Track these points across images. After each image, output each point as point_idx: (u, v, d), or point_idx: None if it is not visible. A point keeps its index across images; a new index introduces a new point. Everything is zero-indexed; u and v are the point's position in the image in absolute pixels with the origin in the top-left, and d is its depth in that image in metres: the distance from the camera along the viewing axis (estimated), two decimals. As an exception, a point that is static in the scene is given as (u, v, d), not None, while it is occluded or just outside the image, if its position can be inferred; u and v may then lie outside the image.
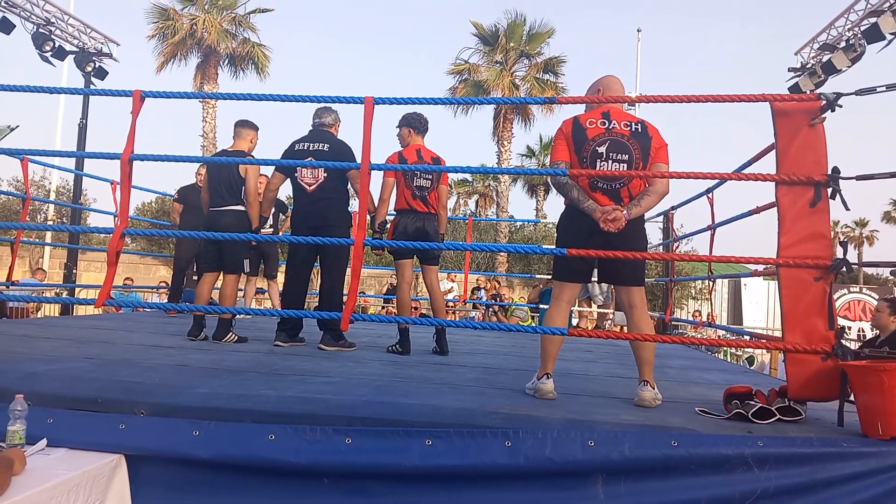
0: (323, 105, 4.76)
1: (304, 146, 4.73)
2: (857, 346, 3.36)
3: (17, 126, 11.46)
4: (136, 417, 2.69)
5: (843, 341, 2.90)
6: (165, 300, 9.34)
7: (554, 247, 3.18)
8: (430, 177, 4.67)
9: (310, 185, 4.71)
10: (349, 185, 4.88)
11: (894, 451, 2.47)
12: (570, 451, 2.48)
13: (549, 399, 3.15)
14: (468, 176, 36.72)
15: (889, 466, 2.45)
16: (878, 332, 5.27)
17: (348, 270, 4.54)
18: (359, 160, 3.45)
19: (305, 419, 2.66)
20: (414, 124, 4.77)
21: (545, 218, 27.77)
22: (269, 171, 5.38)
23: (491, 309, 10.32)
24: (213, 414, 2.71)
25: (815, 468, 2.45)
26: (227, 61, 21.87)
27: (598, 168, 3.12)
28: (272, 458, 2.55)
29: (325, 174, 4.68)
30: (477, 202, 40.32)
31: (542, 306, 9.53)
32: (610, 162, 3.12)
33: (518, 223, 23.80)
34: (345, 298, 3.78)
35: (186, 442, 2.58)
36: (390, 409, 2.81)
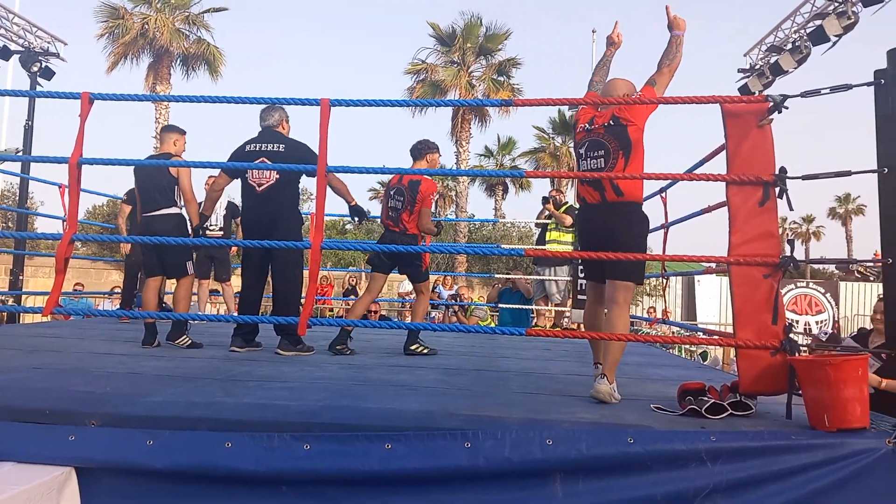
0: (268, 105, 4.69)
1: (255, 147, 4.67)
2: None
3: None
4: (86, 429, 2.61)
5: (792, 335, 2.99)
6: (118, 305, 9.11)
7: (513, 247, 3.21)
8: (401, 199, 4.88)
9: (260, 186, 4.65)
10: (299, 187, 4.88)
11: (841, 442, 2.55)
12: (528, 450, 2.50)
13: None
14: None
15: (836, 458, 2.53)
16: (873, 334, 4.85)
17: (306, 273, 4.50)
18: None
19: (263, 426, 2.62)
20: (411, 150, 5.05)
21: (504, 217, 27.93)
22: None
23: (451, 309, 10.33)
24: (168, 423, 2.65)
25: (765, 461, 2.51)
26: (179, 61, 21.46)
27: (581, 165, 3.41)
28: (230, 466, 2.51)
29: (277, 175, 4.62)
30: (436, 202, 40.38)
31: (501, 306, 9.59)
32: (589, 160, 3.38)
33: (477, 223, 23.89)
34: (303, 301, 3.74)
35: (140, 452, 2.52)
36: (349, 413, 2.79)
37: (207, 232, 6.20)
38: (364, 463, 2.49)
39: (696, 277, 16.22)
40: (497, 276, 11.97)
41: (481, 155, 31.05)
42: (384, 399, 3.06)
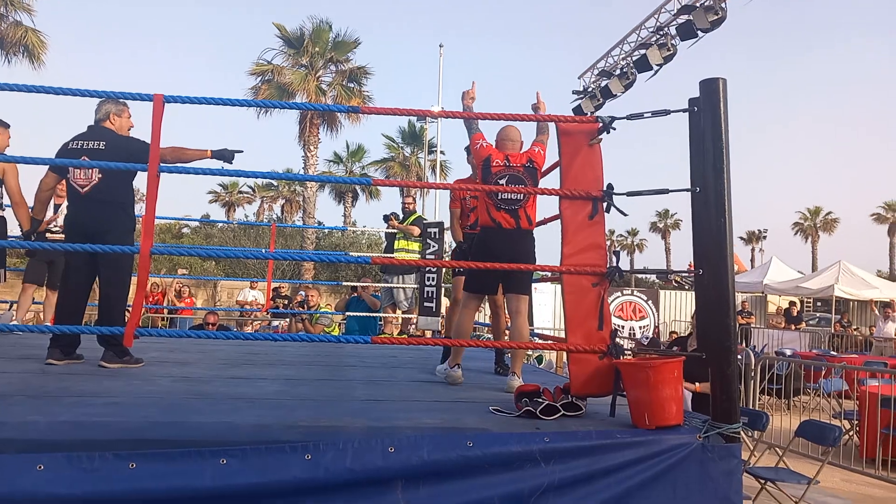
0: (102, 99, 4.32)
1: (77, 144, 4.27)
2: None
3: None
4: None
5: (618, 340, 3.22)
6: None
7: (360, 255, 3.21)
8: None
9: (83, 187, 4.27)
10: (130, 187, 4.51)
11: (659, 438, 2.78)
12: (370, 459, 2.49)
13: (458, 384, 3.98)
14: (273, 180, 35.74)
15: (655, 453, 2.76)
16: None
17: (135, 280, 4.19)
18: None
19: (82, 446, 2.40)
20: None
21: (354, 224, 27.79)
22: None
23: (297, 317, 10.10)
24: (-35, 447, 2.35)
25: (594, 459, 2.69)
26: (-7, 46, 19.33)
27: (500, 196, 3.81)
28: (42, 491, 2.28)
29: (101, 175, 4.26)
30: (282, 207, 39.36)
31: (348, 314, 9.51)
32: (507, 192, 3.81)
33: (326, 230, 23.58)
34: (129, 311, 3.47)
35: (-71, 483, 2.22)
36: (180, 429, 2.63)
37: (47, 235, 5.63)
38: (196, 480, 2.37)
39: (534, 285, 17.04)
40: (345, 283, 11.86)
41: (331, 161, 30.78)
42: (219, 413, 2.92)
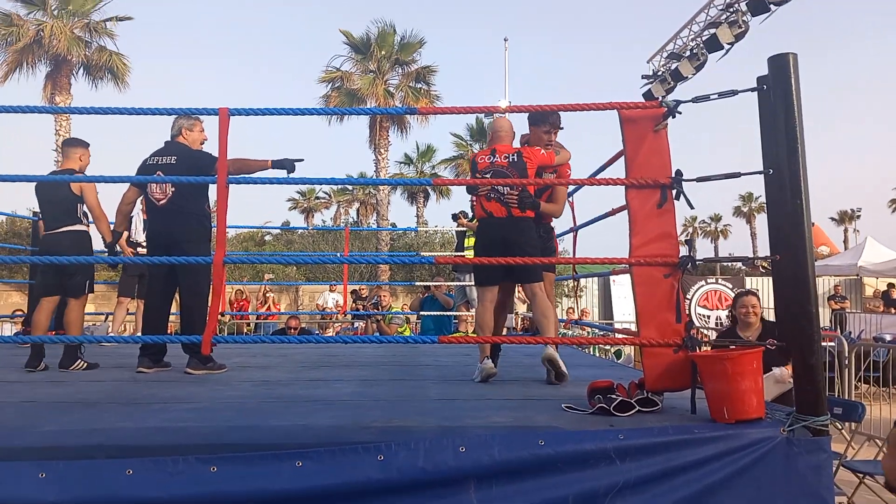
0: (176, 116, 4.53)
1: (154, 160, 4.53)
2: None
3: None
4: (-32, 465, 2.43)
5: (693, 332, 3.10)
6: (20, 328, 8.61)
7: (423, 255, 3.24)
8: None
9: (159, 200, 4.50)
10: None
11: (739, 433, 2.66)
12: (442, 459, 2.49)
13: (492, 374, 4.00)
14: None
15: (735, 448, 2.64)
16: None
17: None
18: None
19: (166, 450, 2.51)
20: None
21: (426, 225, 28.00)
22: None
23: (372, 318, 10.26)
24: (61, 453, 2.50)
25: (670, 455, 2.60)
26: (81, 70, 20.49)
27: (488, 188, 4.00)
28: (131, 495, 2.39)
29: (174, 188, 4.47)
30: (358, 210, 40.07)
31: (423, 313, 9.59)
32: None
33: (399, 231, 23.84)
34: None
35: (30, 486, 2.36)
36: (258, 432, 2.71)
37: (139, 250, 5.96)
38: (274, 482, 2.43)
39: (612, 277, 16.70)
40: (418, 283, 11.96)
41: (401, 163, 31.06)
42: (295, 416, 2.99)
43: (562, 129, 4.31)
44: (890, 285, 17.75)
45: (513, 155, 4.03)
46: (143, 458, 2.46)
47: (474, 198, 5.07)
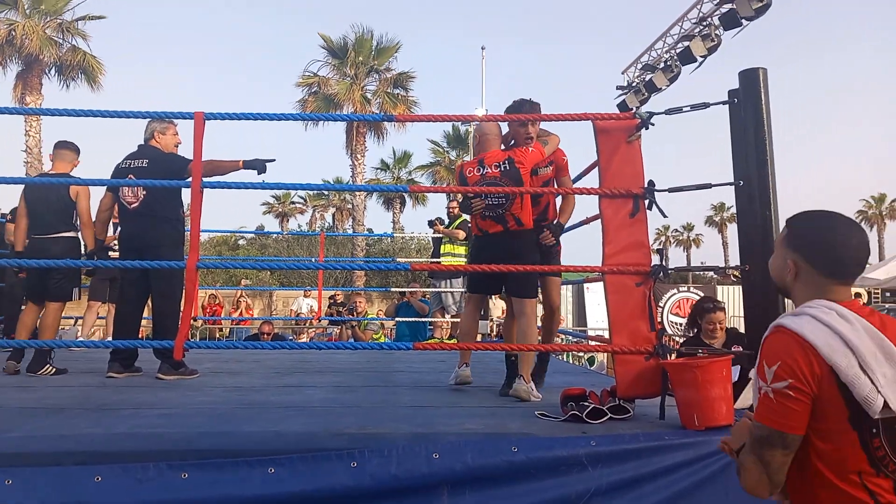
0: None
1: (126, 164, 4.48)
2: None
3: None
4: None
5: (665, 340, 3.15)
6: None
7: (400, 261, 3.23)
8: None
9: (131, 204, 4.45)
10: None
11: (708, 440, 2.70)
12: (415, 466, 2.49)
13: (467, 381, 3.97)
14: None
15: (705, 455, 2.68)
16: None
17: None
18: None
19: (136, 456, 2.48)
20: None
21: (402, 231, 28.00)
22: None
23: (346, 324, 10.22)
24: (28, 459, 2.46)
25: (641, 462, 2.63)
26: (53, 70, 20.18)
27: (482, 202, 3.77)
28: (100, 502, 2.36)
29: (145, 192, 4.42)
30: (334, 216, 39.92)
31: (398, 319, 9.58)
32: (489, 198, 3.71)
33: (375, 237, 23.81)
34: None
35: (-5, 494, 2.32)
36: (230, 438, 2.69)
37: (110, 254, 5.89)
38: (245, 489, 2.41)
39: (586, 285, 16.80)
40: (393, 289, 11.94)
41: (378, 168, 31.06)
42: (267, 422, 2.97)
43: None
44: (857, 294, 18.11)
45: (503, 162, 3.76)
46: (113, 464, 2.43)
47: (453, 205, 4.93)
